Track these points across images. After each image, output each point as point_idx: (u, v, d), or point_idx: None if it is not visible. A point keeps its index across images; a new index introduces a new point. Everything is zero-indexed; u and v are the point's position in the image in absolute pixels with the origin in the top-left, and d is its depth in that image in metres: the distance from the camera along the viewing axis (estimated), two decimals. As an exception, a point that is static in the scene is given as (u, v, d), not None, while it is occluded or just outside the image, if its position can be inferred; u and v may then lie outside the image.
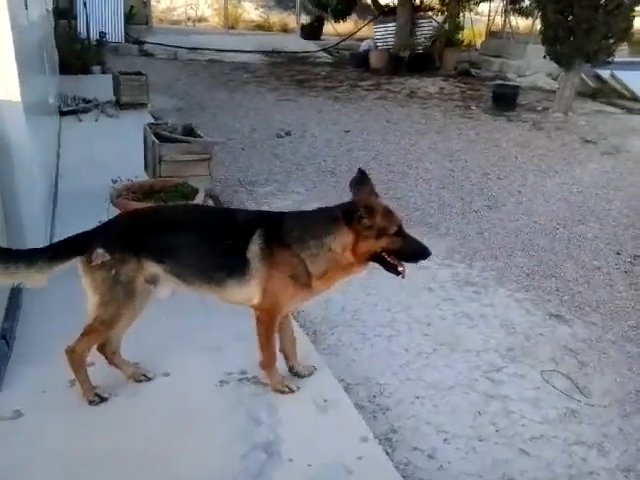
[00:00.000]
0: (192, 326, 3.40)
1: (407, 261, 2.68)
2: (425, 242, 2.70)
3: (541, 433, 3.07)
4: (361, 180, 2.77)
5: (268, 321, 2.76)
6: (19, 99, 3.48)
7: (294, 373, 3.08)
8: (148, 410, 2.78)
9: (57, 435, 2.56)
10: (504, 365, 3.63)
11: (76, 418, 2.67)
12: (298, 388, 2.95)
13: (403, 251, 2.62)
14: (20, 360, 2.99)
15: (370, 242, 2.57)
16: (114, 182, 4.06)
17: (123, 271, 2.56)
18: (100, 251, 2.53)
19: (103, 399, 2.76)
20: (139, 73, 9.78)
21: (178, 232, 2.69)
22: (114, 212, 3.96)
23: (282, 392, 2.90)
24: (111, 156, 6.44)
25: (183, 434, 2.63)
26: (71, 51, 12.46)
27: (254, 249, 2.64)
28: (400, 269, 2.66)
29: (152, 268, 2.64)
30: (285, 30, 26.01)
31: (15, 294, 3.44)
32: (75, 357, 2.66)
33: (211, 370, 3.05)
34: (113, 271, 2.54)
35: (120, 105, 9.49)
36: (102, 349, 2.83)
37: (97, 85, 10.25)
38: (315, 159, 8.00)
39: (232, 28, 25.82)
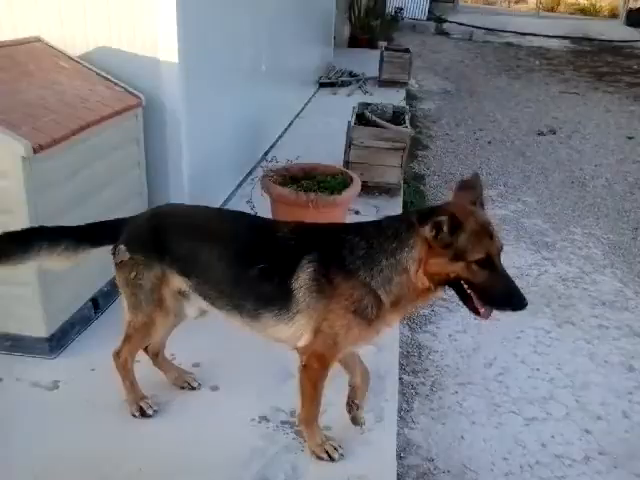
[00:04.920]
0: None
1: (489, 305, 1.94)
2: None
3: None
4: (469, 184, 2.05)
5: (318, 369, 2.12)
6: (176, 60, 3.36)
7: (351, 417, 2.38)
8: (170, 427, 2.38)
9: (69, 423, 2.36)
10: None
11: (97, 412, 2.42)
12: (342, 456, 2.25)
13: (485, 289, 1.88)
14: (97, 333, 2.88)
15: (442, 261, 1.88)
16: (268, 161, 3.72)
17: (145, 276, 2.16)
18: (122, 247, 2.18)
19: (145, 415, 2.38)
20: (406, 50, 9.39)
21: (203, 243, 2.18)
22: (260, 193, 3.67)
23: (319, 457, 2.26)
24: (337, 133, 6.19)
25: (187, 470, 2.19)
26: (362, 25, 12.70)
27: (303, 278, 2.02)
28: (482, 310, 1.94)
29: (177, 281, 2.19)
30: (614, 15, 22.94)
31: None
32: (119, 362, 2.36)
33: (261, 399, 2.53)
34: (133, 274, 2.17)
35: (380, 82, 9.27)
36: (145, 348, 2.52)
37: (373, 60, 10.08)
38: (569, 165, 6.67)
39: (551, 10, 23.75)
